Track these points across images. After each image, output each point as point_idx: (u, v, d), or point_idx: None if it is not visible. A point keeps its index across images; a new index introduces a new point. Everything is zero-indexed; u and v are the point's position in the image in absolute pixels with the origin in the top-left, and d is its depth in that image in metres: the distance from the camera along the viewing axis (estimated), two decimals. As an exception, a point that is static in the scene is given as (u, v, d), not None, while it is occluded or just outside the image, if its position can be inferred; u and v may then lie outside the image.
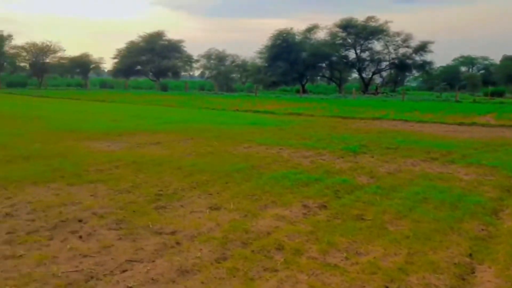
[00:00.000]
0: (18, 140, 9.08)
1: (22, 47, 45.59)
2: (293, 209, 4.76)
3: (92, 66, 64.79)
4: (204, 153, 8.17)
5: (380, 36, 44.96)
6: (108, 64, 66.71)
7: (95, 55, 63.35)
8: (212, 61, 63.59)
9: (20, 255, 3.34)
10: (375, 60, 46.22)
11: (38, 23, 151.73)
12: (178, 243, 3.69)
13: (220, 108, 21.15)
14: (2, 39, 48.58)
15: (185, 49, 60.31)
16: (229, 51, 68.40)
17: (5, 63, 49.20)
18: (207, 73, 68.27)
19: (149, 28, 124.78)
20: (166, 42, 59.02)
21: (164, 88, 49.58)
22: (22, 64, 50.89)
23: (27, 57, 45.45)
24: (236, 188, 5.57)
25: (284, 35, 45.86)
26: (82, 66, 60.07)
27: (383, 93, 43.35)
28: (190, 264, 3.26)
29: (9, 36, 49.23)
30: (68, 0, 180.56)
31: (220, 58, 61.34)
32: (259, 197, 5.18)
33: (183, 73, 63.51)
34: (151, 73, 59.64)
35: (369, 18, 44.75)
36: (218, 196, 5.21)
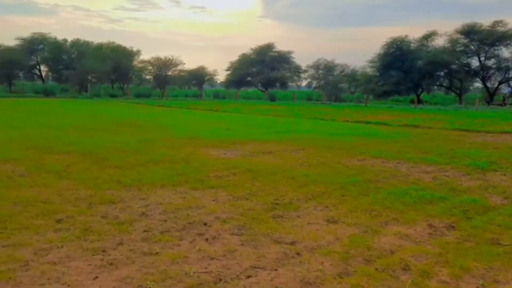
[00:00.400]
0: (148, 146, 10.01)
1: (148, 61, 50.51)
2: (417, 228, 4.46)
3: (206, 78, 69.30)
4: (317, 164, 8.13)
5: (508, 42, 40.49)
6: (221, 76, 70.63)
7: (210, 68, 67.21)
8: (320, 71, 63.40)
9: (156, 253, 3.64)
10: (503, 68, 41.66)
11: (161, 40, 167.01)
12: (298, 254, 3.69)
13: (329, 118, 20.94)
14: (132, 54, 54.49)
15: (293, 59, 61.11)
16: (338, 60, 67.47)
17: (133, 76, 54.96)
18: (314, 83, 68.31)
19: (259, 41, 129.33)
20: (276, 54, 60.55)
21: (272, 98, 50.79)
22: (147, 77, 56.37)
23: (152, 70, 50.21)
24: (353, 201, 5.42)
25: (398, 42, 43.84)
26: (198, 78, 64.49)
27: (511, 104, 38.89)
28: (313, 277, 3.23)
29: (138, 52, 55.05)
30: (187, 20, 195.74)
31: (329, 68, 60.83)
32: (378, 212, 4.97)
33: (290, 84, 64.34)
34: (260, 84, 61.62)
35: (496, 23, 40.59)
36: (334, 209, 5.11)
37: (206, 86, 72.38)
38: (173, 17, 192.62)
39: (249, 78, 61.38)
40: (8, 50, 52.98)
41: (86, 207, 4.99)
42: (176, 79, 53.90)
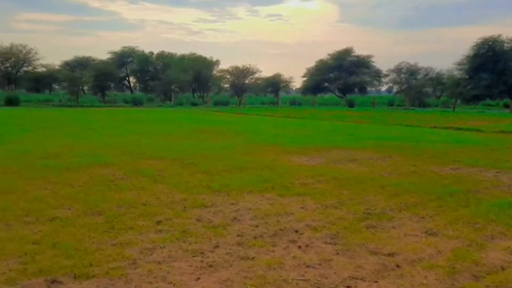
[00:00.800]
0: (231, 152, 10.28)
1: (227, 70, 52.13)
2: (530, 244, 4.06)
3: (282, 85, 69.85)
4: (407, 172, 7.77)
5: None
6: (296, 83, 70.71)
7: (285, 75, 67.67)
8: (402, 75, 60.91)
9: (252, 257, 3.70)
10: None
11: (238, 49, 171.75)
12: (398, 266, 3.54)
13: (414, 124, 19.96)
14: (211, 64, 56.65)
15: (373, 64, 59.39)
16: (422, 63, 64.41)
17: (212, 85, 57.04)
18: (394, 88, 65.71)
19: (336, 46, 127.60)
20: (355, 58, 59.28)
21: (351, 104, 49.69)
22: (225, 85, 58.16)
23: (230, 79, 51.71)
24: (452, 213, 5.09)
25: (490, 43, 40.62)
26: (274, 85, 65.19)
27: None
28: (417, 291, 3.07)
29: (217, 61, 57.11)
30: (263, 28, 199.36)
31: (412, 71, 58.25)
32: (482, 225, 4.61)
33: (369, 89, 62.53)
34: (337, 90, 60.68)
35: None
36: (432, 220, 4.84)
37: (281, 93, 72.94)
38: (250, 26, 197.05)
39: (326, 84, 60.77)
40: (102, 63, 57.96)
41: (182, 210, 5.23)
42: (253, 87, 54.96)
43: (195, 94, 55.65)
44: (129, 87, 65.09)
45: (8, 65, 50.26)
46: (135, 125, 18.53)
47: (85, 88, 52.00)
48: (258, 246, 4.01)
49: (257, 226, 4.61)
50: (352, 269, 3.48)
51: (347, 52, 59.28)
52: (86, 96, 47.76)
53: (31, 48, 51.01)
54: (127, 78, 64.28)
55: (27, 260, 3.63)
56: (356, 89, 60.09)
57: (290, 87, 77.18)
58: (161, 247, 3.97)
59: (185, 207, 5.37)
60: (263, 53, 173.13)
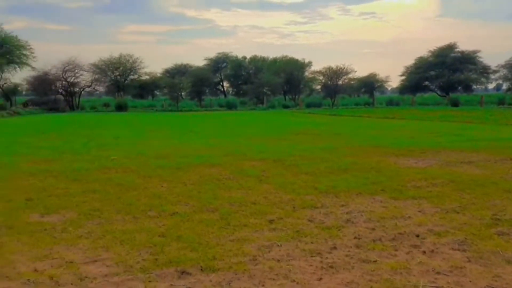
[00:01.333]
0: (332, 154, 10.10)
1: (320, 72, 51.67)
2: None
3: (377, 85, 67.34)
4: (535, 176, 6.95)
5: None
6: (393, 82, 67.81)
7: (381, 74, 65.07)
8: (515, 71, 55.38)
9: (375, 261, 3.55)
10: None
11: (330, 50, 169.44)
12: (545, 280, 3.14)
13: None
14: (303, 66, 56.56)
15: (480, 59, 54.62)
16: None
17: (304, 87, 56.91)
18: (504, 85, 59.92)
19: (437, 42, 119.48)
20: (459, 54, 55.11)
21: (455, 103, 46.15)
22: (317, 87, 57.73)
23: (323, 80, 51.22)
24: None
25: None
26: (369, 85, 63.13)
27: None
28: None
29: (309, 63, 56.88)
30: (356, 27, 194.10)
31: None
32: None
33: (475, 86, 57.64)
34: (438, 88, 56.90)
35: None
36: None
37: (376, 94, 70.35)
38: (342, 26, 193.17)
39: (426, 83, 57.35)
40: (199, 70, 61.14)
41: (291, 210, 5.24)
42: (346, 88, 53.73)
43: (287, 97, 56.03)
44: (223, 92, 67.75)
45: (117, 73, 55.15)
46: (232, 128, 19.17)
47: (183, 93, 55.23)
48: (378, 249, 3.84)
49: (373, 229, 4.43)
50: (490, 278, 3.17)
51: (450, 48, 55.36)
52: (185, 101, 50.64)
53: (137, 58, 55.39)
54: (221, 83, 67.02)
55: (156, 251, 3.89)
56: (460, 87, 55.83)
57: (386, 87, 74.31)
58: (278, 245, 3.99)
59: (294, 207, 5.36)
60: (356, 53, 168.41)
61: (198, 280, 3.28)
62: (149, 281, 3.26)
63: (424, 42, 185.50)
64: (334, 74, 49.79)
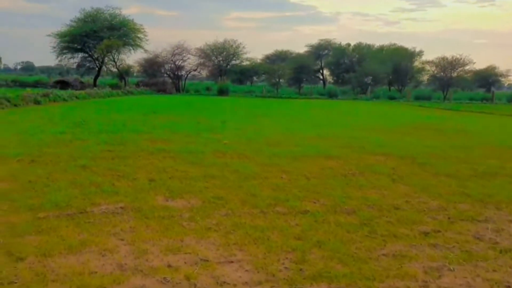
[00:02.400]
0: (466, 154, 8.78)
1: (432, 62, 47.50)
2: None
3: (494, 79, 60.56)
4: None
5: None
6: (513, 77, 60.33)
7: (501, 67, 58.30)
8: None
9: None
10: None
11: (440, 39, 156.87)
12: None
13: None
14: (413, 55, 52.70)
15: None
16: None
17: (412, 77, 53.13)
18: None
19: None
20: None
21: None
22: (426, 78, 53.41)
23: (435, 71, 47.11)
24: None
25: None
26: (485, 79, 57.02)
27: None
28: None
29: (420, 52, 52.82)
30: (471, 15, 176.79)
31: None
32: None
33: None
34: None
35: None
36: None
37: (493, 89, 63.38)
38: (456, 14, 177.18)
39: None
40: (299, 56, 60.29)
41: (447, 222, 4.34)
42: (460, 81, 48.89)
43: (392, 88, 52.83)
44: (322, 80, 66.16)
45: (220, 58, 56.67)
46: (340, 118, 18.18)
47: (282, 80, 54.93)
48: None
49: None
50: None
51: None
52: (284, 88, 50.28)
53: (240, 43, 56.26)
54: (321, 71, 65.43)
55: (298, 258, 3.31)
56: None
57: (503, 82, 66.57)
58: (449, 270, 3.17)
59: (449, 218, 4.45)
60: (470, 44, 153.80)
61: (362, 307, 2.62)
62: (301, 299, 2.68)
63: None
64: (449, 65, 45.44)
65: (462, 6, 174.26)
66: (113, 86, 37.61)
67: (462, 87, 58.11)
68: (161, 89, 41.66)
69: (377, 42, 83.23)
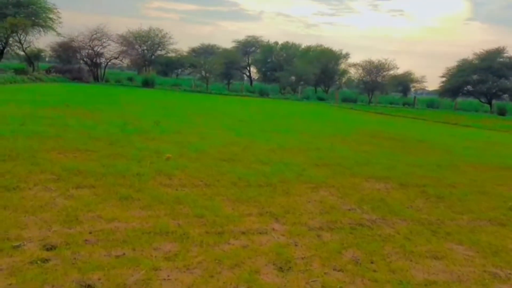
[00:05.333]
0: (463, 177, 7.27)
1: (360, 65, 47.97)
2: None
3: (411, 85, 63.92)
4: None
5: None
6: (429, 83, 64.07)
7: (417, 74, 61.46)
8: None
9: None
10: None
11: (354, 45, 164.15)
12: None
13: None
14: (339, 57, 53.17)
15: (531, 67, 50.46)
16: None
17: (338, 79, 53.68)
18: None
19: (463, 46, 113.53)
20: (507, 60, 51.03)
21: (502, 112, 42.60)
22: (354, 81, 54.17)
23: (362, 74, 47.63)
24: None
25: None
26: (402, 84, 59.64)
27: None
28: None
29: (346, 55, 53.44)
30: (383, 24, 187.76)
31: None
32: None
33: (523, 96, 53.59)
34: (480, 94, 52.99)
35: None
36: None
37: (410, 94, 66.72)
38: (369, 22, 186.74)
39: (468, 87, 53.44)
40: (227, 52, 57.98)
41: None
42: (384, 85, 50.16)
43: (317, 88, 52.81)
44: (249, 77, 64.62)
45: (145, 47, 52.60)
46: (286, 121, 16.32)
47: (208, 75, 52.27)
48: None
49: None
50: None
51: (498, 52, 51.25)
52: (214, 84, 47.77)
53: (166, 33, 52.66)
54: (247, 68, 63.79)
55: None
56: (505, 95, 51.91)
57: (418, 88, 70.25)
58: None
59: None
60: (382, 50, 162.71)
61: None
62: None
63: (451, 45, 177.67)
64: (374, 68, 46.18)
65: (376, 14, 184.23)
66: (19, 72, 32.35)
67: (382, 91, 60.15)
68: (77, 77, 36.94)
69: (300, 43, 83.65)
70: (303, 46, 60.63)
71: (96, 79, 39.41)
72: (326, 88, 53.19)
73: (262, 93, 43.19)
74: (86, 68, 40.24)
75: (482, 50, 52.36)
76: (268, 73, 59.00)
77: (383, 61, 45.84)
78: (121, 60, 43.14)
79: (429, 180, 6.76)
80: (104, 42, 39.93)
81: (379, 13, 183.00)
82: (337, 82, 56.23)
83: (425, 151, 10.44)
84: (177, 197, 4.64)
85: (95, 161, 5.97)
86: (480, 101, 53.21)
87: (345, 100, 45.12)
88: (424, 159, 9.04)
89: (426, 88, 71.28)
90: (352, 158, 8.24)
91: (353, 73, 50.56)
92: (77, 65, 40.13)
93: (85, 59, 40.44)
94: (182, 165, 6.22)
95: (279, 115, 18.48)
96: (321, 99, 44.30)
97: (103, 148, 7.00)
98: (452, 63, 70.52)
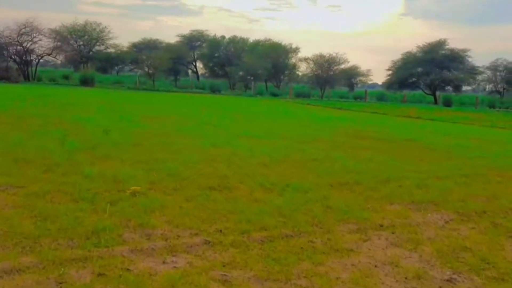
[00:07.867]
0: (494, 191, 5.88)
1: (311, 59, 47.03)
2: None
3: (358, 78, 64.52)
4: None
5: None
6: (375, 77, 65.09)
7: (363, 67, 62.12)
8: (499, 73, 54.07)
9: None
10: None
11: (296, 39, 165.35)
12: None
13: None
14: (289, 51, 52.04)
15: (469, 59, 52.12)
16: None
17: (290, 74, 52.60)
18: (487, 87, 58.74)
19: (400, 40, 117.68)
20: (448, 52, 52.47)
21: (447, 103, 43.64)
22: (306, 75, 53.31)
23: (314, 68, 46.72)
24: None
25: None
26: (350, 78, 59.87)
27: None
28: None
29: (296, 49, 52.40)
30: (322, 18, 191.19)
31: (510, 69, 51.77)
32: None
33: (465, 87, 55.67)
34: (426, 86, 54.28)
35: None
36: None
37: (357, 87, 67.40)
38: (310, 17, 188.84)
39: (413, 79, 54.48)
40: (171, 46, 54.87)
41: None
42: (336, 79, 49.73)
43: (269, 84, 51.42)
44: (196, 72, 61.90)
45: (81, 43, 48.43)
46: (256, 122, 14.49)
47: (151, 71, 49.22)
48: None
49: None
50: None
51: (440, 44, 52.55)
52: (161, 80, 44.78)
53: (105, 27, 48.79)
54: (193, 63, 61.05)
55: None
56: (448, 87, 53.45)
57: (364, 81, 70.99)
58: None
59: None
60: (321, 44, 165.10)
61: None
62: None
63: (387, 39, 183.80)
64: (326, 62, 45.46)
65: (314, 9, 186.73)
66: None
67: (331, 85, 60.02)
68: (4, 77, 32.79)
69: (248, 37, 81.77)
70: (251, 41, 58.93)
71: (27, 78, 35.27)
72: (278, 84, 51.93)
73: (213, 90, 41.09)
74: (14, 66, 35.94)
75: (425, 43, 53.47)
76: (216, 68, 56.76)
77: (334, 55, 45.32)
78: (54, 57, 39.14)
79: (481, 202, 5.25)
80: (34, 37, 35.89)
81: (317, 8, 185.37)
82: (286, 78, 55.15)
83: (429, 154, 9.06)
84: (171, 284, 2.68)
85: (20, 209, 3.82)
86: (425, 92, 54.45)
87: (299, 95, 44.18)
88: (440, 166, 7.61)
89: (370, 82, 72.22)
90: (364, 172, 6.59)
91: (305, 67, 49.84)
92: (4, 63, 35.76)
93: (13, 56, 36.11)
94: (159, 205, 4.21)
95: (243, 115, 16.57)
96: (274, 94, 42.96)
97: (34, 180, 4.80)
98: (394, 56, 72.03)
